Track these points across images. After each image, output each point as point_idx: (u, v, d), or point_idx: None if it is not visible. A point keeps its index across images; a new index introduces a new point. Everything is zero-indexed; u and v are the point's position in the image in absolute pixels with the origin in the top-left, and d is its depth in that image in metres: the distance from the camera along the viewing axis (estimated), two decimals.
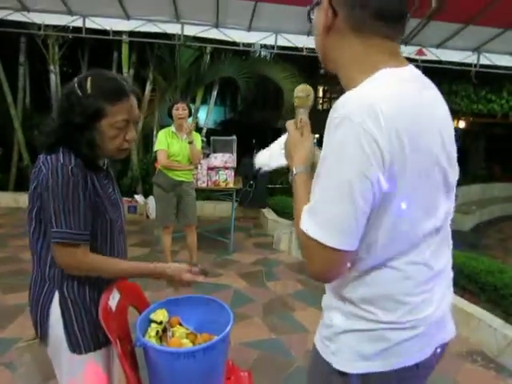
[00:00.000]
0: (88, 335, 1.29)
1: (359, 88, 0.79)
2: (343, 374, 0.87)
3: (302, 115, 1.08)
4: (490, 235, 8.15)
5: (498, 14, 5.49)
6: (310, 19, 0.94)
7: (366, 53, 0.84)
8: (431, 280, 0.88)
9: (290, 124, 1.09)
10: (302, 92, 1.08)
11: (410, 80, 0.83)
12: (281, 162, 1.19)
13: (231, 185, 4.67)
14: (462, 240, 5.36)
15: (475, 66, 6.80)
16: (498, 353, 2.75)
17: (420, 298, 0.86)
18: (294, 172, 0.98)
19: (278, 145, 1.24)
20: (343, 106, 0.76)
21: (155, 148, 3.85)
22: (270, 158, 1.29)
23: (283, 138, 1.17)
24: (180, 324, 1.53)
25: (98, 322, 1.24)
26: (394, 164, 0.75)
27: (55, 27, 6.47)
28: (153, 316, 1.48)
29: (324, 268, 0.81)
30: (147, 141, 7.62)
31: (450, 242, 0.96)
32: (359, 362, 0.86)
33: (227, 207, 6.42)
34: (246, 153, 7.37)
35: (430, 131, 0.82)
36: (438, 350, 0.92)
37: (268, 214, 6.29)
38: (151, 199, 6.32)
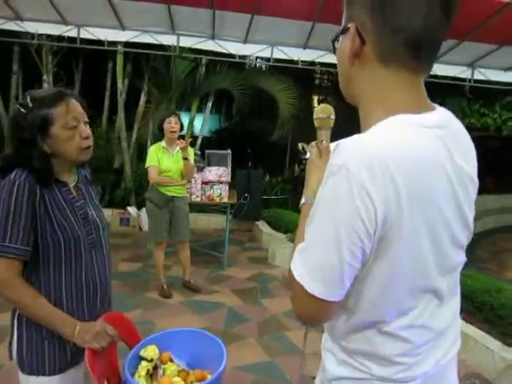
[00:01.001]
0: (45, 357, 1.27)
1: (364, 135, 0.73)
2: None
3: (324, 137, 1.03)
4: (483, 247, 8.16)
5: (493, 31, 5.54)
6: (334, 49, 0.86)
7: (389, 88, 0.76)
8: (431, 340, 0.82)
9: (312, 147, 1.04)
10: (323, 113, 1.03)
11: (428, 127, 0.74)
12: None
13: (226, 199, 4.62)
14: None
15: (469, 80, 6.85)
16: (496, 375, 2.71)
17: (418, 358, 0.80)
18: (303, 201, 0.94)
19: None
20: (343, 153, 0.70)
21: (146, 164, 3.80)
22: None
23: None
24: (171, 360, 1.46)
25: (60, 344, 1.25)
26: (389, 223, 0.68)
27: (49, 36, 6.43)
28: (143, 353, 1.41)
29: (306, 312, 0.78)
30: (141, 152, 7.55)
31: (458, 291, 0.91)
32: None
33: (221, 220, 6.36)
34: (240, 164, 7.34)
35: (442, 190, 0.74)
36: None
37: (262, 226, 6.23)
38: (144, 211, 6.24)
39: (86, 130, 1.32)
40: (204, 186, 4.54)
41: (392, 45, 0.73)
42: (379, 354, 0.80)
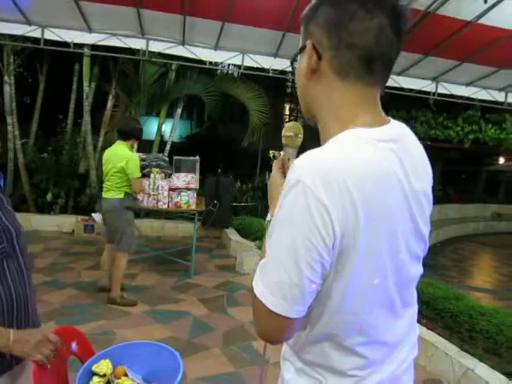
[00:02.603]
0: None
1: (320, 150, 0.73)
2: None
3: (290, 155, 1.02)
4: (445, 255, 8.44)
5: (455, 48, 5.80)
6: (292, 68, 0.88)
7: (345, 101, 0.78)
8: (386, 353, 0.82)
9: (275, 163, 1.04)
10: (291, 130, 1.03)
11: (383, 142, 0.75)
12: None
13: (193, 207, 4.55)
14: None
15: (434, 94, 7.11)
16: (455, 382, 2.77)
17: (372, 370, 0.81)
18: (268, 218, 0.93)
19: None
20: (299, 169, 0.71)
21: (138, 174, 3.73)
22: None
23: None
24: (126, 375, 1.40)
25: None
26: (346, 236, 0.69)
27: (11, 37, 6.20)
28: (95, 368, 1.35)
29: (268, 331, 0.76)
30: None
31: (415, 300, 0.91)
32: None
33: (189, 227, 6.28)
34: (210, 171, 7.29)
35: (398, 205, 0.75)
36: None
37: (231, 234, 6.19)
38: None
39: None
40: (171, 192, 4.46)
41: (347, 59, 0.76)
42: (334, 368, 0.80)
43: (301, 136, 1.05)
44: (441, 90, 7.10)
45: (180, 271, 4.86)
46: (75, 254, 5.32)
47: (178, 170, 4.88)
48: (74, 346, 1.42)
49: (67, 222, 6.49)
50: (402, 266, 0.79)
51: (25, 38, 6.19)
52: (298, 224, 0.68)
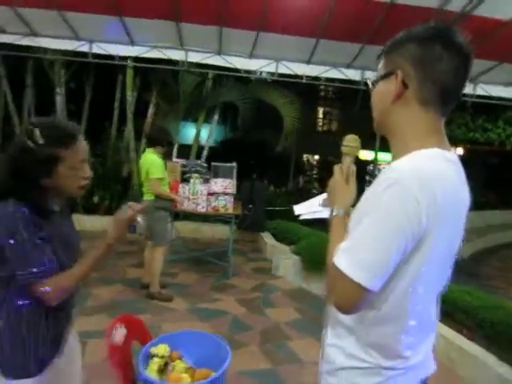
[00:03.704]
0: (15, 363, 1.25)
1: (412, 159, 0.91)
2: None
3: (350, 163, 1.18)
4: (489, 264, 8.15)
5: (493, 48, 5.69)
6: (368, 87, 1.07)
7: (426, 127, 0.96)
8: (428, 334, 1.03)
9: (337, 168, 1.19)
10: (353, 142, 1.19)
11: (453, 163, 0.95)
12: (317, 214, 1.41)
13: (230, 210, 4.74)
14: (461, 269, 5.36)
15: (471, 96, 6.98)
16: None
17: (417, 350, 0.99)
18: (334, 212, 1.10)
19: (317, 200, 1.45)
20: (396, 171, 0.88)
21: (154, 175, 3.98)
22: (308, 208, 1.48)
23: (323, 196, 1.37)
24: (180, 358, 1.59)
25: (29, 352, 1.25)
26: (427, 228, 0.86)
27: (62, 52, 6.66)
28: (155, 350, 1.54)
29: (347, 299, 0.91)
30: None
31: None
32: None
33: (225, 230, 6.48)
34: (245, 175, 7.48)
35: (459, 210, 0.95)
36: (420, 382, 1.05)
37: (266, 238, 6.34)
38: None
39: (88, 170, 1.34)
40: (209, 197, 4.67)
41: (430, 92, 0.94)
42: (391, 347, 0.97)
43: (359, 147, 1.20)
44: (479, 92, 6.95)
45: (217, 272, 5.06)
46: (120, 252, 5.65)
47: (216, 176, 5.08)
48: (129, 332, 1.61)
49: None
50: (450, 266, 0.99)
51: (74, 53, 6.61)
52: (395, 214, 0.85)
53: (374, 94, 1.04)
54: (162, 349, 1.56)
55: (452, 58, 0.91)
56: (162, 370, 1.53)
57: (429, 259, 0.90)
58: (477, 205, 11.24)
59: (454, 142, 10.22)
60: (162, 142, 4.18)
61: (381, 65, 1.02)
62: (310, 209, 1.47)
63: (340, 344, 1.03)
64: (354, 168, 1.18)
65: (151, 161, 3.99)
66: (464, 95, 7.00)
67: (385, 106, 1.00)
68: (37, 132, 1.22)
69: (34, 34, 6.30)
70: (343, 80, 6.95)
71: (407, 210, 0.84)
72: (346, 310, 0.93)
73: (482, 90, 6.95)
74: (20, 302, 1.24)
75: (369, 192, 0.93)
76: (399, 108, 0.97)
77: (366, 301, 0.90)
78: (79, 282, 1.28)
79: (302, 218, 1.48)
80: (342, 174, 1.17)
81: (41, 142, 1.21)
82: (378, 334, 0.97)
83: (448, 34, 0.93)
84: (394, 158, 0.99)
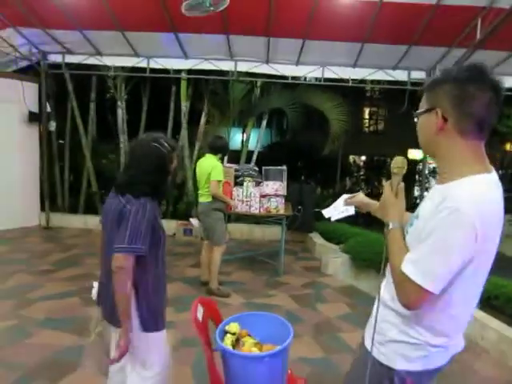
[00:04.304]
0: (146, 320, 1.78)
1: (468, 188, 1.10)
2: (390, 369, 1.25)
3: (398, 181, 1.36)
4: None
5: None
6: (417, 118, 1.27)
7: (471, 153, 1.15)
8: (468, 319, 1.27)
9: (387, 185, 1.39)
10: (401, 164, 1.37)
11: (496, 186, 1.14)
12: (344, 213, 1.69)
13: (282, 211, 5.00)
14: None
15: None
16: None
17: (460, 332, 1.27)
18: (391, 226, 1.27)
19: (341, 201, 1.71)
20: (458, 199, 1.07)
21: (219, 177, 4.32)
22: (334, 209, 1.75)
23: (344, 196, 1.68)
24: (249, 335, 1.86)
25: (155, 311, 1.81)
26: (478, 247, 1.08)
27: (123, 68, 7.28)
28: (228, 328, 1.83)
29: (414, 302, 1.14)
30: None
31: None
32: (403, 362, 1.23)
33: (276, 231, 6.74)
34: (293, 178, 7.71)
35: (500, 224, 1.15)
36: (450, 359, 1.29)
37: (315, 238, 6.54)
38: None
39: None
40: (262, 199, 4.96)
41: (467, 124, 1.13)
42: (441, 331, 1.20)
43: (406, 168, 1.37)
44: None
45: (270, 270, 5.34)
46: (178, 253, 6.09)
47: (267, 179, 5.37)
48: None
49: (168, 226, 7.35)
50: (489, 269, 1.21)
51: (134, 69, 7.19)
52: (458, 237, 1.06)
53: (419, 125, 1.25)
54: (233, 327, 1.84)
55: (484, 94, 1.09)
56: (234, 345, 1.81)
57: (479, 266, 1.12)
58: None
59: (508, 137, 9.84)
60: (225, 151, 4.64)
61: (423, 100, 1.23)
62: (336, 210, 1.71)
63: (393, 321, 1.25)
64: (402, 185, 1.37)
65: (214, 164, 4.33)
66: None
67: (429, 136, 1.21)
68: (164, 143, 1.81)
69: (99, 54, 6.96)
70: (390, 81, 7.02)
71: (466, 235, 1.05)
72: (412, 308, 1.16)
73: None
74: (150, 271, 1.77)
75: (430, 213, 1.13)
76: (442, 138, 1.17)
77: (430, 301, 1.14)
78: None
79: (332, 219, 1.73)
80: (392, 190, 1.35)
81: (169, 148, 1.82)
82: (431, 319, 1.19)
83: (481, 74, 1.11)
84: (442, 179, 1.20)
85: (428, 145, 1.24)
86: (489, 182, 1.13)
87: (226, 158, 5.57)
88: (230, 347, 1.72)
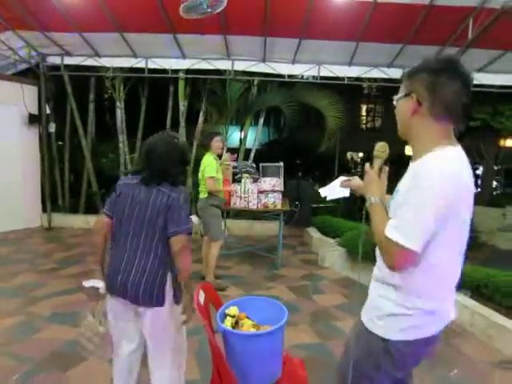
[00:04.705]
0: (178, 294, 2.02)
1: (435, 159, 1.25)
2: (386, 340, 1.36)
3: (381, 164, 1.54)
4: None
5: None
6: (394, 104, 1.43)
7: (439, 132, 1.30)
8: (454, 288, 1.41)
9: (368, 167, 1.54)
10: (383, 148, 1.55)
11: (460, 157, 1.29)
12: (340, 194, 1.86)
13: (279, 206, 5.14)
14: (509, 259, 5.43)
15: None
16: None
17: (449, 298, 1.40)
18: (372, 200, 1.43)
19: (337, 182, 1.86)
20: (430, 174, 1.22)
21: (211, 174, 4.39)
22: (331, 190, 1.92)
23: (341, 178, 1.82)
24: (247, 318, 2.00)
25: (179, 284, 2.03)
26: (451, 211, 1.23)
27: (121, 69, 7.39)
28: (227, 311, 1.96)
29: (398, 262, 1.27)
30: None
31: None
32: (399, 333, 1.34)
33: (274, 226, 6.88)
34: (291, 174, 7.85)
35: (469, 198, 1.29)
36: (443, 328, 1.39)
37: (313, 232, 6.68)
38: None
39: None
40: (260, 194, 5.10)
41: (440, 109, 1.29)
42: (431, 295, 1.33)
43: (387, 152, 1.55)
44: None
45: (268, 264, 5.48)
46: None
47: (264, 175, 5.50)
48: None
49: None
50: (466, 236, 1.33)
51: (132, 69, 7.31)
52: (433, 202, 1.21)
53: (397, 110, 1.41)
54: (233, 310, 1.98)
55: (454, 83, 1.26)
56: (234, 327, 1.95)
57: (453, 228, 1.25)
58: None
59: (502, 134, 9.99)
60: (206, 144, 4.63)
61: (401, 87, 1.38)
62: (332, 190, 1.86)
63: (389, 296, 1.37)
64: (387, 168, 1.54)
65: (207, 162, 4.45)
66: (510, 87, 6.98)
67: (405, 119, 1.37)
68: (179, 141, 2.12)
69: (97, 55, 7.07)
70: (385, 79, 7.15)
71: (436, 198, 1.20)
72: (398, 269, 1.28)
73: None
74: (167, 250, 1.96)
75: (405, 186, 1.30)
76: (416, 120, 1.33)
77: (413, 261, 1.26)
78: None
79: (328, 198, 1.87)
80: (374, 171, 1.51)
81: (185, 145, 2.22)
82: (420, 285, 1.31)
83: (453, 66, 1.27)
84: (415, 157, 1.34)
85: (403, 127, 1.39)
86: (455, 154, 1.27)
87: (226, 154, 5.61)
88: (230, 328, 1.85)
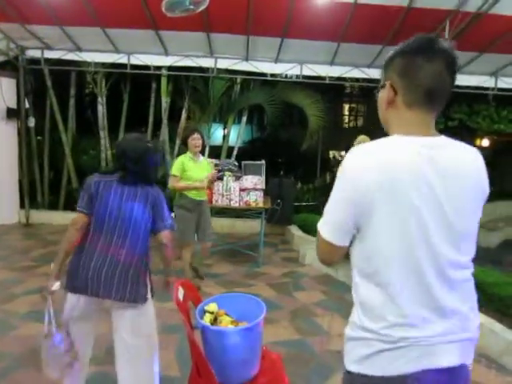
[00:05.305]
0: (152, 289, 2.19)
1: (369, 144, 1.08)
2: (349, 372, 1.10)
3: None
4: None
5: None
6: (375, 95, 1.25)
7: (408, 122, 1.10)
8: (431, 312, 1.03)
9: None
10: (364, 140, 1.54)
11: (418, 145, 1.04)
12: None
13: (261, 204, 5.17)
14: (485, 256, 5.59)
15: (493, 89, 7.14)
16: (500, 354, 3.08)
17: (413, 323, 1.02)
18: None
19: None
20: (346, 157, 1.10)
21: (171, 172, 4.17)
22: None
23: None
24: (226, 314, 2.03)
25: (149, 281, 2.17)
26: (371, 202, 1.02)
27: (103, 64, 7.30)
28: (207, 307, 1.99)
29: (322, 254, 1.16)
30: None
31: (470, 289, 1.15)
32: (354, 364, 1.08)
33: (256, 224, 6.91)
34: (272, 173, 7.91)
35: (415, 190, 1.01)
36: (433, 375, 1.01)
37: (294, 230, 6.76)
38: None
39: None
40: (241, 192, 5.13)
41: (415, 95, 1.09)
42: (375, 309, 1.05)
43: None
44: (500, 85, 7.11)
45: (250, 262, 5.52)
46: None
47: (247, 173, 5.53)
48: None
49: None
50: (431, 245, 1.02)
51: (114, 65, 7.23)
52: (339, 191, 1.09)
53: (378, 102, 1.23)
54: (212, 306, 2.01)
55: (432, 65, 1.05)
56: (213, 323, 1.98)
57: (385, 221, 1.01)
58: (507, 194, 11.30)
59: (478, 134, 10.29)
60: (185, 144, 4.33)
61: (381, 78, 1.22)
62: None
63: (353, 314, 1.13)
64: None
65: (175, 161, 4.31)
66: (486, 88, 7.20)
67: (382, 110, 1.19)
68: (157, 143, 2.29)
69: (79, 49, 6.97)
70: (366, 79, 7.27)
71: (345, 183, 1.06)
72: (323, 261, 1.17)
73: (504, 82, 7.10)
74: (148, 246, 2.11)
75: None
76: (391, 112, 1.15)
77: (338, 254, 1.13)
78: None
79: None
80: None
81: (159, 150, 2.26)
82: (363, 294, 1.08)
83: (430, 45, 1.06)
84: None
85: (382, 119, 1.22)
86: (400, 140, 1.06)
87: (206, 154, 5.62)
88: (208, 324, 1.88)
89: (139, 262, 2.05)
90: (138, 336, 2.04)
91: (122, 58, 7.06)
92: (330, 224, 1.11)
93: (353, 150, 1.10)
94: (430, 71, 1.06)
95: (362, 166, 1.04)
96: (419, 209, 1.01)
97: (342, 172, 1.08)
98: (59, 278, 1.98)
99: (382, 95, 1.17)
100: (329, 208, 1.11)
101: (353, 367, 1.08)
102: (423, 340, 1.01)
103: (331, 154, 18.21)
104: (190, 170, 4.18)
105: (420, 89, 1.07)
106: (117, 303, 1.99)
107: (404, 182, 1.01)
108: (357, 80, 8.05)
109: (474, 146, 1.14)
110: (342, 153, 19.30)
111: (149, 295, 2.11)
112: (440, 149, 1.06)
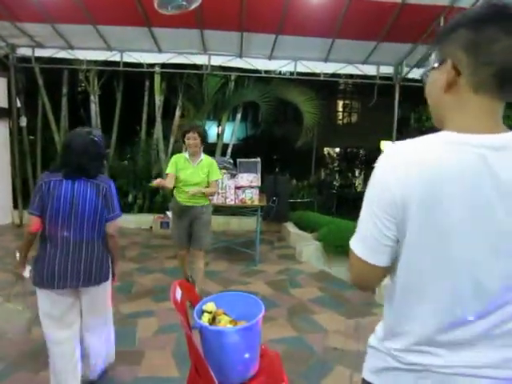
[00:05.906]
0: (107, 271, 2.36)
1: (403, 142, 0.90)
2: (364, 380, 1.03)
3: None
4: None
5: None
6: (423, 80, 1.01)
7: (476, 112, 0.87)
8: (455, 333, 0.87)
9: None
10: None
11: (474, 146, 0.83)
12: None
13: (256, 202, 5.16)
14: None
15: None
16: None
17: (431, 345, 0.89)
18: None
19: None
20: (381, 155, 0.91)
21: (167, 170, 3.88)
22: None
23: None
24: (224, 314, 2.02)
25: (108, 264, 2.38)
26: (404, 209, 0.85)
27: (95, 62, 7.23)
28: (205, 307, 1.98)
29: (358, 275, 0.97)
30: None
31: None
32: (369, 373, 1.02)
33: (252, 222, 6.91)
34: (267, 170, 7.90)
35: (460, 199, 0.82)
36: None
37: (290, 227, 6.75)
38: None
39: None
40: (237, 190, 5.11)
41: (484, 76, 0.84)
42: (389, 323, 0.97)
43: None
44: None
45: (246, 260, 5.51)
46: (156, 246, 6.18)
47: (242, 171, 5.51)
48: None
49: (146, 219, 7.44)
50: (462, 260, 0.84)
51: (106, 63, 7.15)
52: (373, 200, 0.90)
53: (427, 87, 0.97)
54: (210, 306, 1.99)
55: (508, 37, 0.81)
56: (211, 323, 1.96)
57: (418, 238, 0.85)
58: None
59: None
60: (183, 137, 3.98)
61: (433, 56, 0.95)
62: None
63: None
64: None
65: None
66: None
67: (437, 97, 0.93)
68: (99, 137, 2.30)
69: (70, 47, 6.89)
70: (360, 75, 7.26)
71: (377, 190, 0.89)
72: (357, 285, 0.99)
73: None
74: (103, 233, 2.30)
75: None
76: (451, 97, 0.89)
77: (377, 276, 0.94)
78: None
79: None
80: None
81: (102, 142, 2.31)
82: (385, 315, 0.98)
83: (504, 11, 0.83)
84: None
85: (436, 110, 0.96)
86: (446, 140, 0.85)
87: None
88: (207, 324, 1.86)
89: (99, 249, 2.28)
90: (98, 311, 2.40)
91: (114, 56, 6.99)
92: (359, 235, 0.94)
93: (388, 151, 0.91)
94: (505, 45, 0.81)
95: (396, 173, 0.86)
96: (466, 236, 0.83)
97: (372, 179, 0.91)
98: (25, 265, 2.36)
99: (438, 77, 0.91)
100: (360, 217, 0.94)
101: (367, 376, 1.01)
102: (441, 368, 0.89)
103: (326, 150, 18.24)
104: (182, 171, 3.83)
105: (492, 68, 0.83)
106: (84, 288, 2.28)
107: (451, 198, 0.82)
108: (351, 76, 8.05)
109: None
110: (337, 149, 19.37)
111: (109, 274, 2.36)
112: (507, 152, 0.83)
